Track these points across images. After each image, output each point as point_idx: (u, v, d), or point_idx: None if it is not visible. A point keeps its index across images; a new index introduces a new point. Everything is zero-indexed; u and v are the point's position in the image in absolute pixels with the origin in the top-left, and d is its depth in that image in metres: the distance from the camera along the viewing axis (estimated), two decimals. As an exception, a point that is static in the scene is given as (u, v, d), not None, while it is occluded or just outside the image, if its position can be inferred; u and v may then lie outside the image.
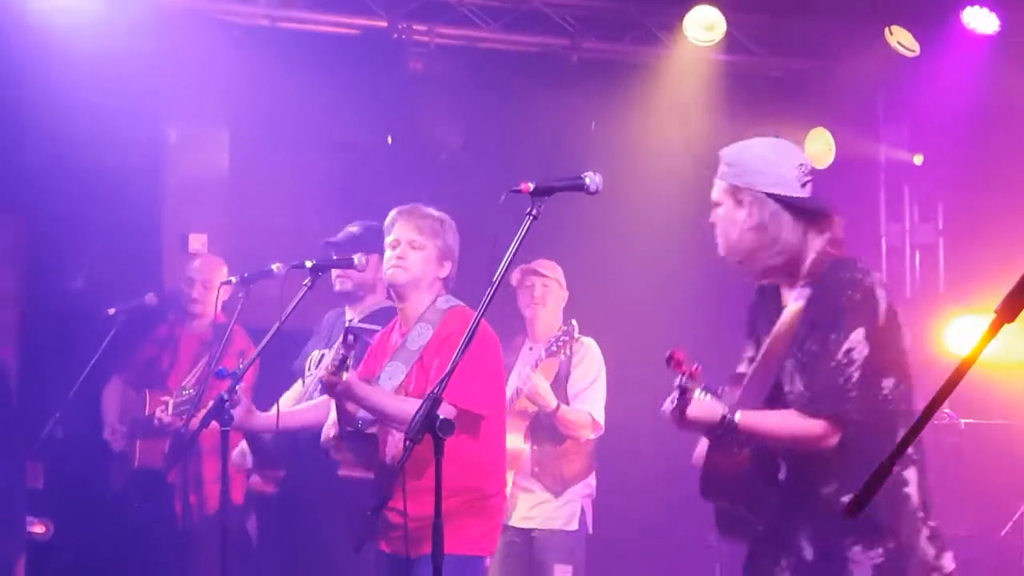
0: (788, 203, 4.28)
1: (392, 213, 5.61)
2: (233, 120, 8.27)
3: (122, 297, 7.48)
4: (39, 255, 8.19)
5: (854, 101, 9.55)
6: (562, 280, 6.99)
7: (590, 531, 6.93)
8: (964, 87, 8.87)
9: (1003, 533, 7.47)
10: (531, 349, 6.85)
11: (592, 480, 6.97)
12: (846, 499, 4.09)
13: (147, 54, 7.92)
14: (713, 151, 4.46)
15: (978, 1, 8.57)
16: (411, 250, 5.48)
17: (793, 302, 4.30)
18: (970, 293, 9.01)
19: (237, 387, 5.67)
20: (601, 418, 6.80)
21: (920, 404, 4.18)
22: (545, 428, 6.73)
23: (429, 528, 4.37)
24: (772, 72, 9.35)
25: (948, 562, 4.24)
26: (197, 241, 8.46)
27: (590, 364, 6.86)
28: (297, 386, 6.58)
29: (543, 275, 6.91)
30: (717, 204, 4.39)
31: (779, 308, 4.38)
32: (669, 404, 4.12)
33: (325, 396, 5.87)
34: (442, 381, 4.33)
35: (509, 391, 6.65)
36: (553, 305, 6.90)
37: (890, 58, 9.12)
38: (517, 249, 4.45)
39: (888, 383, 4.18)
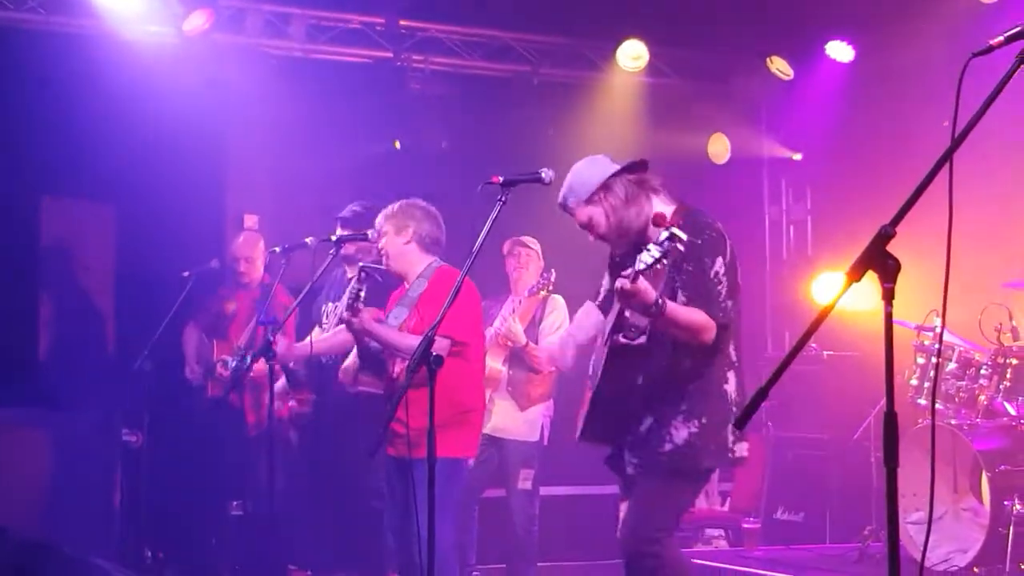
0: (620, 174, 4.28)
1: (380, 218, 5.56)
2: (277, 127, 8.21)
3: (193, 262, 7.44)
4: (132, 231, 8.14)
5: (744, 113, 9.54)
6: (540, 253, 6.96)
7: (545, 443, 6.93)
8: (828, 102, 8.88)
9: (855, 437, 7.49)
10: (512, 301, 6.84)
11: (551, 403, 6.98)
12: (691, 387, 4.14)
13: (210, 78, 7.93)
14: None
15: (838, 36, 8.56)
16: (381, 239, 5.47)
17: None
18: (831, 256, 9.03)
19: (279, 331, 5.67)
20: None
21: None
22: (519, 357, 6.72)
23: (424, 436, 4.39)
24: (683, 90, 9.30)
25: (741, 450, 4.25)
26: (250, 219, 8.39)
27: (557, 315, 6.83)
28: (316, 331, 6.59)
29: (527, 246, 6.89)
30: (585, 224, 4.33)
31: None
32: (631, 276, 3.85)
33: (342, 327, 5.90)
34: (434, 326, 4.31)
35: (493, 330, 6.68)
36: (533, 270, 6.85)
37: (771, 80, 9.12)
38: (491, 227, 4.40)
39: (729, 303, 4.15)
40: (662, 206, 4.25)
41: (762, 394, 2.59)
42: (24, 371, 7.72)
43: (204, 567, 7.34)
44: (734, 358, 4.27)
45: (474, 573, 6.93)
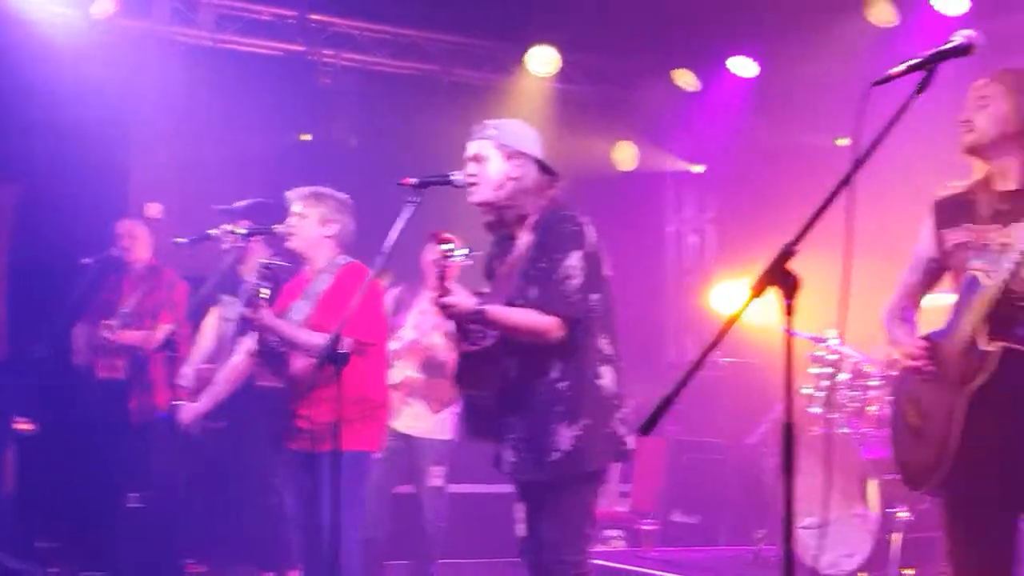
0: (539, 163, 4.23)
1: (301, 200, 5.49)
2: (184, 116, 8.14)
3: (94, 250, 7.30)
4: (30, 216, 7.98)
5: (651, 123, 9.66)
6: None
7: (456, 440, 6.96)
8: (731, 115, 9.05)
9: (751, 442, 7.65)
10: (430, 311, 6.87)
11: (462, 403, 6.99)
12: (562, 386, 4.08)
13: (118, 63, 7.83)
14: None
15: (742, 52, 8.73)
16: (298, 221, 5.38)
17: (526, 234, 4.22)
18: (730, 266, 9.20)
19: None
20: None
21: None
22: (433, 363, 6.72)
23: (328, 430, 4.43)
24: (592, 97, 9.42)
25: (632, 442, 4.21)
26: (154, 208, 8.25)
27: None
28: (211, 320, 6.56)
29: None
30: (480, 159, 4.23)
31: (512, 247, 4.27)
32: (436, 290, 3.96)
33: (236, 359, 5.86)
34: (341, 326, 4.36)
35: (408, 333, 6.68)
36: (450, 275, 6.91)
37: (677, 92, 9.26)
38: (402, 228, 4.40)
39: (595, 297, 4.11)
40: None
41: (668, 401, 2.65)
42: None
43: (98, 558, 7.24)
44: (608, 351, 4.19)
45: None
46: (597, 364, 4.18)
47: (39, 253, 7.82)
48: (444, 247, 3.98)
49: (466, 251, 4.06)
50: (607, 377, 4.18)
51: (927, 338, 3.65)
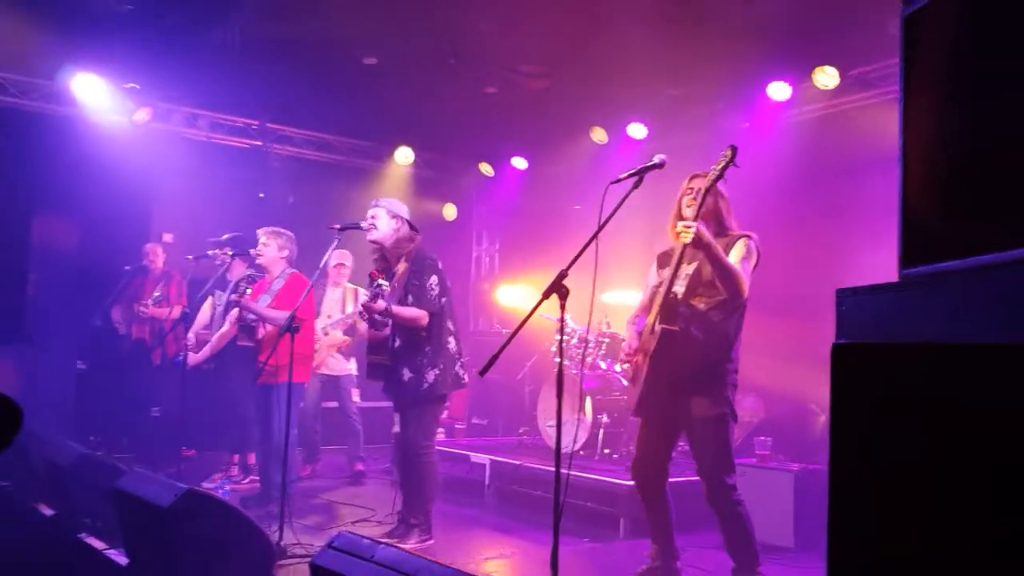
0: (408, 222, 4.42)
1: (266, 234, 5.44)
2: (189, 182, 7.78)
3: (132, 261, 7.03)
4: (94, 240, 7.46)
5: (466, 193, 9.72)
6: (349, 263, 6.78)
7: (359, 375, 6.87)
8: (512, 190, 9.20)
9: (519, 377, 7.78)
10: (332, 289, 6.69)
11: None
12: (427, 349, 4.26)
13: (148, 150, 7.48)
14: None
15: (518, 154, 8.89)
16: (264, 247, 5.33)
17: (403, 265, 4.38)
18: (507, 277, 9.38)
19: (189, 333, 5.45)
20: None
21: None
22: (351, 330, 6.59)
23: (280, 369, 4.39)
24: (432, 178, 9.41)
25: (466, 378, 4.43)
26: (168, 236, 7.91)
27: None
28: (207, 304, 6.30)
29: (347, 265, 6.77)
30: (375, 217, 4.38)
31: (393, 269, 4.42)
32: (368, 300, 4.11)
33: (224, 329, 5.73)
34: (295, 309, 4.32)
35: (336, 313, 6.50)
36: (346, 275, 6.80)
37: (480, 175, 9.37)
38: (332, 252, 4.44)
39: (444, 300, 4.33)
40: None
41: (495, 357, 2.79)
42: (16, 320, 7.01)
43: (128, 448, 6.88)
44: (452, 328, 4.39)
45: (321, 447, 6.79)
46: (447, 336, 4.37)
47: (101, 263, 7.38)
48: (380, 282, 4.13)
49: (387, 283, 4.18)
50: (452, 343, 4.39)
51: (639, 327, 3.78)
